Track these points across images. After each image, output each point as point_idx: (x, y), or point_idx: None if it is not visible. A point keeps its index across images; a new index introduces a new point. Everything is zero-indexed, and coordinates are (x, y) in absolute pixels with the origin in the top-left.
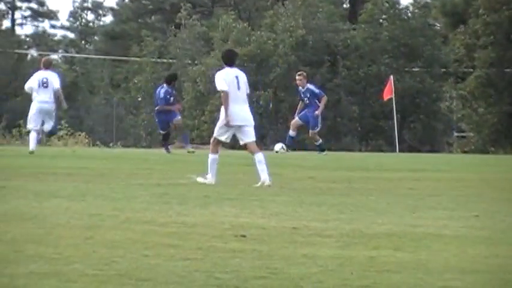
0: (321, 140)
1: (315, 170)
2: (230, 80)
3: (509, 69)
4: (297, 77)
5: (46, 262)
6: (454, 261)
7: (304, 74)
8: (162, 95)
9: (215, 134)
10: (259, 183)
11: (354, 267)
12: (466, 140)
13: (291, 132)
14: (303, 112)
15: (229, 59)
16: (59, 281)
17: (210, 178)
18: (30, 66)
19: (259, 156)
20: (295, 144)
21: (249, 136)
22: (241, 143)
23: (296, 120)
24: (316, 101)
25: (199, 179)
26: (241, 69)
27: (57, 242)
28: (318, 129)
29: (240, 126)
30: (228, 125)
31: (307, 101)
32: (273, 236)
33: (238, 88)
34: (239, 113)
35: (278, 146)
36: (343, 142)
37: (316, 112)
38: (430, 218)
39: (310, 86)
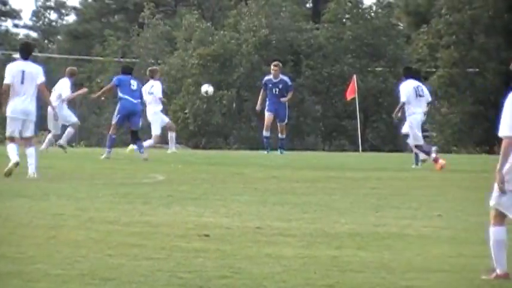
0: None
1: (278, 169)
2: (15, 73)
3: (472, 69)
4: (272, 67)
5: (9, 262)
6: (417, 261)
7: (280, 65)
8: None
9: (6, 133)
10: (28, 175)
11: (317, 266)
12: (428, 139)
13: (265, 133)
14: (272, 104)
15: (21, 52)
16: (22, 280)
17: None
18: None
19: (31, 151)
20: (272, 144)
21: (28, 131)
22: (22, 135)
23: (268, 116)
24: (285, 93)
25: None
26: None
27: (20, 241)
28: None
29: (23, 120)
30: (13, 119)
31: (277, 92)
32: (236, 235)
33: (22, 82)
34: (21, 107)
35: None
36: (306, 141)
37: (283, 99)
38: (393, 218)
39: (285, 78)
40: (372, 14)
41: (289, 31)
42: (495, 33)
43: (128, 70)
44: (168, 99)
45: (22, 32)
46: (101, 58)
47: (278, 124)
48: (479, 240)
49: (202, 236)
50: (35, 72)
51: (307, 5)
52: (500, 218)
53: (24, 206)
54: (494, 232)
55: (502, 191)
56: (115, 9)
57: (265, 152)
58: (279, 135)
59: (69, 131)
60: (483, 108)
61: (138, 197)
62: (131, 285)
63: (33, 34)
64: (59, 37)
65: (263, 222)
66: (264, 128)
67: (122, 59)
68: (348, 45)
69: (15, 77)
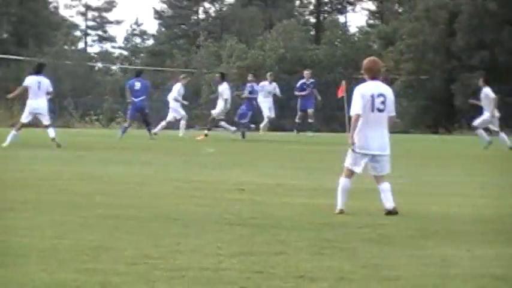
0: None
1: (294, 144)
2: (33, 82)
3: (424, 76)
4: (305, 72)
5: (116, 208)
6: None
7: (310, 71)
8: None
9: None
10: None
11: (317, 210)
12: (393, 124)
13: (298, 120)
14: (303, 103)
15: (35, 69)
16: (118, 221)
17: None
18: (97, 74)
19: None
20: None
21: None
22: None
23: (300, 113)
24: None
25: None
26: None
27: (116, 194)
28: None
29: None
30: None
31: (309, 91)
32: (263, 189)
33: (39, 88)
34: (36, 105)
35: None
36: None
37: (319, 98)
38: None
39: (312, 80)
40: (355, 38)
41: (298, 50)
42: (439, 51)
43: (137, 74)
44: (215, 97)
45: (117, 51)
46: (170, 69)
47: (308, 111)
48: None
49: (240, 189)
50: (46, 82)
51: (311, 33)
52: (349, 173)
53: (122, 173)
54: (344, 181)
55: (353, 150)
56: (180, 35)
57: (295, 133)
58: (309, 120)
59: (182, 123)
60: (431, 103)
61: (197, 163)
62: (193, 222)
63: (125, 53)
64: (142, 54)
65: (281, 180)
66: (297, 117)
67: (185, 69)
68: (338, 60)
69: (32, 83)
